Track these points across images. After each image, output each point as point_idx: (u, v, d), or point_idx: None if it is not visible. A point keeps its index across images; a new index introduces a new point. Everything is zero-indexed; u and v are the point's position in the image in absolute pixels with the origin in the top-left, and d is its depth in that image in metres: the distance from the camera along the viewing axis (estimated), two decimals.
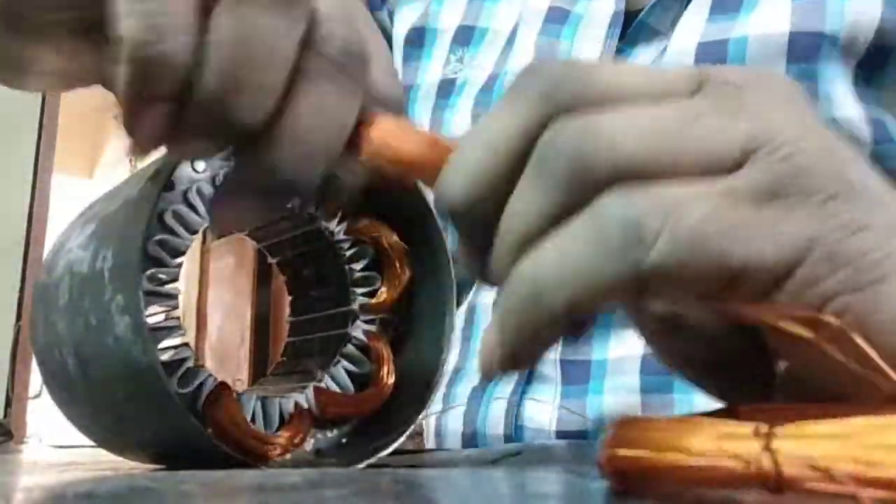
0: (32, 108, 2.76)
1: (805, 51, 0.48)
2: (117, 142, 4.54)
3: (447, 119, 0.60)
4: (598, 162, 0.19)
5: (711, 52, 0.50)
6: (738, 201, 0.19)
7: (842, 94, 0.48)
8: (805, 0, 0.49)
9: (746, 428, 0.16)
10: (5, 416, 2.37)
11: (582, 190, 0.19)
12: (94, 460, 0.43)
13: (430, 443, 0.61)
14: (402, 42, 0.65)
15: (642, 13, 0.54)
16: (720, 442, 0.16)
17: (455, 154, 0.22)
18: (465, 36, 0.62)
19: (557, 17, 0.58)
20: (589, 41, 0.55)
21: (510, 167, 0.21)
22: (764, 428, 0.16)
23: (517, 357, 0.21)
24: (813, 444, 0.15)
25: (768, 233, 0.19)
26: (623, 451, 0.17)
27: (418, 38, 0.64)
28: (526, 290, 0.20)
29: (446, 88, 0.61)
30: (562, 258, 0.19)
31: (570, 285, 0.19)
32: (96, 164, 4.67)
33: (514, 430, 0.52)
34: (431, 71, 0.63)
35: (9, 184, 2.61)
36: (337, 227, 0.39)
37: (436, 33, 0.64)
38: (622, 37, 0.55)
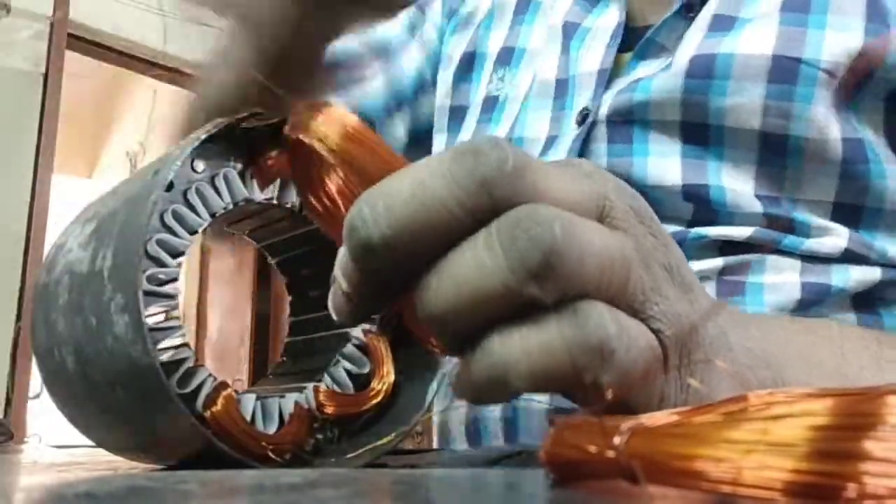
0: (32, 108, 2.76)
1: (784, 74, 0.51)
2: (117, 142, 4.54)
3: (490, 132, 0.64)
4: (572, 270, 0.22)
5: (701, 65, 0.53)
6: (654, 355, 0.25)
7: (818, 116, 0.51)
8: (789, 27, 0.52)
9: (616, 425, 0.18)
10: (5, 416, 2.38)
11: (548, 283, 0.22)
12: (94, 460, 0.43)
13: (434, 436, 0.63)
14: (455, 66, 0.70)
15: (651, 30, 0.57)
16: (590, 438, 0.18)
17: (386, 187, 0.24)
18: (507, 56, 0.67)
19: (570, 32, 0.62)
20: (592, 52, 0.59)
21: (441, 227, 0.23)
22: (621, 426, 0.17)
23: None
24: (662, 441, 0.16)
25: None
26: (551, 449, 0.19)
27: (469, 63, 0.70)
28: (494, 371, 0.23)
29: (489, 104, 0.66)
30: (533, 355, 0.22)
31: (537, 377, 0.22)
32: (96, 164, 4.68)
33: (511, 410, 0.54)
34: (479, 91, 0.67)
35: (9, 184, 2.61)
36: None
37: (484, 57, 0.69)
38: (624, 47, 0.58)
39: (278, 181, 0.37)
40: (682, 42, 0.55)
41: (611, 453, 0.17)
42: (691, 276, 0.28)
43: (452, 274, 0.23)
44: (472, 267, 0.22)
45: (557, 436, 0.19)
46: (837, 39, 0.51)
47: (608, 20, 0.60)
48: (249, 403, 0.35)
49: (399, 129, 0.72)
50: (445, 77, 0.70)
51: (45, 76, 2.77)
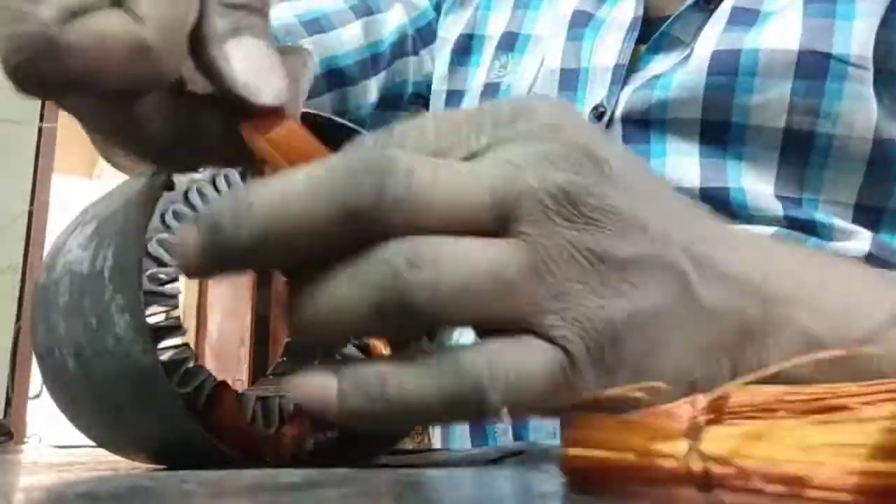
0: (32, 108, 2.75)
1: (812, 69, 0.50)
2: None
3: None
4: (423, 306, 0.22)
5: (725, 61, 0.51)
6: (548, 374, 0.24)
7: (847, 112, 0.49)
8: (815, 18, 0.50)
9: (679, 427, 0.17)
10: (5, 416, 2.37)
11: (408, 325, 0.23)
12: (94, 460, 0.43)
13: (435, 436, 0.62)
14: (450, 49, 0.68)
15: (666, 24, 0.55)
16: (653, 441, 0.17)
17: (263, 187, 0.23)
18: (510, 42, 0.65)
19: (581, 22, 0.60)
20: (607, 45, 0.57)
21: (315, 236, 0.23)
22: (694, 428, 0.17)
23: None
24: (736, 444, 0.16)
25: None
26: (575, 451, 0.18)
27: (466, 46, 0.67)
28: (364, 396, 0.23)
29: (491, 92, 0.64)
30: (409, 399, 0.23)
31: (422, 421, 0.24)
32: (96, 164, 4.67)
33: None
34: (478, 76, 0.65)
35: (9, 184, 2.61)
36: None
37: (483, 40, 0.66)
38: (641, 40, 0.56)
39: None
40: (699, 35, 0.54)
41: (670, 461, 0.16)
42: (668, 258, 0.26)
43: (322, 294, 0.23)
44: (337, 297, 0.23)
45: (579, 437, 0.19)
46: (867, 29, 0.49)
47: (623, 12, 0.58)
48: (249, 403, 0.35)
49: (371, 91, 0.69)
50: (441, 60, 0.68)
51: None
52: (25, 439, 1.99)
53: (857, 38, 0.49)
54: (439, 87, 0.68)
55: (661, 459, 0.16)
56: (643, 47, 0.56)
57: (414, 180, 0.23)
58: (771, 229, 0.50)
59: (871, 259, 0.50)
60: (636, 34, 0.56)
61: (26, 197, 2.64)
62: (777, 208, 0.51)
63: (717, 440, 0.16)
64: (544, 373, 0.24)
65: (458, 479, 0.22)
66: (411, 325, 0.23)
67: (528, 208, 0.24)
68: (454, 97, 0.67)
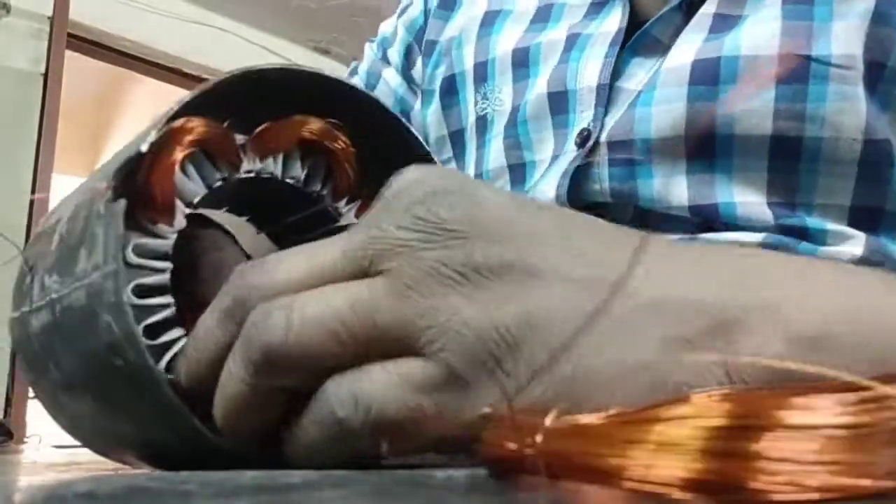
0: (32, 108, 2.75)
1: (793, 73, 0.49)
2: (117, 142, 4.54)
3: (486, 153, 0.63)
4: (282, 345, 0.25)
5: (705, 70, 0.51)
6: (420, 390, 0.24)
7: (833, 114, 0.48)
8: (793, 23, 0.50)
9: (535, 423, 0.18)
10: (5, 416, 2.37)
11: (274, 371, 0.25)
12: (94, 460, 0.43)
13: None
14: (439, 95, 0.69)
15: (647, 24, 0.55)
16: (509, 436, 0.19)
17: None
18: (481, 72, 0.65)
19: (571, 44, 0.59)
20: (592, 62, 0.56)
21: (217, 357, 0.27)
22: (535, 421, 0.18)
23: None
24: (572, 441, 0.17)
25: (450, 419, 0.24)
26: (486, 445, 0.20)
27: (451, 87, 0.68)
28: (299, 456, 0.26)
29: (481, 126, 0.64)
30: (300, 444, 0.26)
31: (317, 458, 0.26)
32: (96, 164, 4.67)
33: None
34: (469, 113, 0.66)
35: (9, 183, 2.61)
36: (346, 208, 0.38)
37: (463, 76, 0.67)
38: (622, 47, 0.56)
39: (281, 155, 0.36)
40: (678, 40, 0.53)
41: (529, 451, 0.18)
42: (542, 259, 0.25)
43: (220, 386, 0.26)
44: (227, 377, 0.26)
45: (490, 433, 0.20)
46: (846, 29, 0.48)
47: (611, 24, 0.57)
48: None
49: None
50: (431, 108, 0.69)
51: (45, 76, 2.78)
52: (25, 439, 1.99)
53: (837, 37, 0.48)
54: (440, 134, 0.68)
55: (510, 452, 0.18)
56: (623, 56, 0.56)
57: (266, 264, 0.27)
58: (760, 235, 0.50)
59: (864, 263, 0.49)
60: (617, 48, 0.56)
61: (26, 197, 2.64)
62: (768, 217, 0.50)
63: (562, 436, 0.18)
64: (419, 392, 0.24)
65: (460, 479, 0.22)
66: (287, 369, 0.25)
67: (381, 247, 0.25)
68: (457, 137, 0.67)
